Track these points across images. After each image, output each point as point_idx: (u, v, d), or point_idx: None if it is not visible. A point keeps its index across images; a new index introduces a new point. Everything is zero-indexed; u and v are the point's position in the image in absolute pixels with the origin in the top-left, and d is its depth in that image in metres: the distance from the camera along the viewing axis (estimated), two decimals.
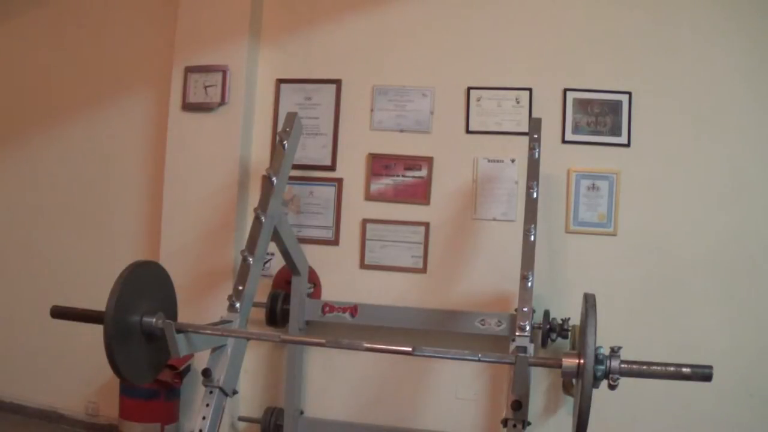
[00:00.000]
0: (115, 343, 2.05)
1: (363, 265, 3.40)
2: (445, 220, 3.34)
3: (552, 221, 3.22)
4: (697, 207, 3.14)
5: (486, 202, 3.30)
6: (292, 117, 3.02)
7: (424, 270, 3.34)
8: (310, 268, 3.36)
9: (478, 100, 3.34)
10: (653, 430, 3.12)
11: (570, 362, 1.90)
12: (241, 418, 3.42)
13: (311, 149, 3.48)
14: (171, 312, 2.35)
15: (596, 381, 1.85)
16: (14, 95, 3.96)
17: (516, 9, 3.34)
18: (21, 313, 3.79)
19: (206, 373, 2.32)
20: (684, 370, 1.85)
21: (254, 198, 3.39)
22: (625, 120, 3.21)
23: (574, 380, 2.02)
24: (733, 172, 3.12)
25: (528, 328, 2.27)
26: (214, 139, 3.44)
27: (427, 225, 3.35)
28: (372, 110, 3.45)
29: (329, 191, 3.46)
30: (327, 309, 3.25)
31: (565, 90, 3.26)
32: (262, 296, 3.27)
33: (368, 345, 2.08)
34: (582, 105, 3.25)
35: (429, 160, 3.37)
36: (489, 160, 3.32)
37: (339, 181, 3.45)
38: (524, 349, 2.17)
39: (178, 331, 2.17)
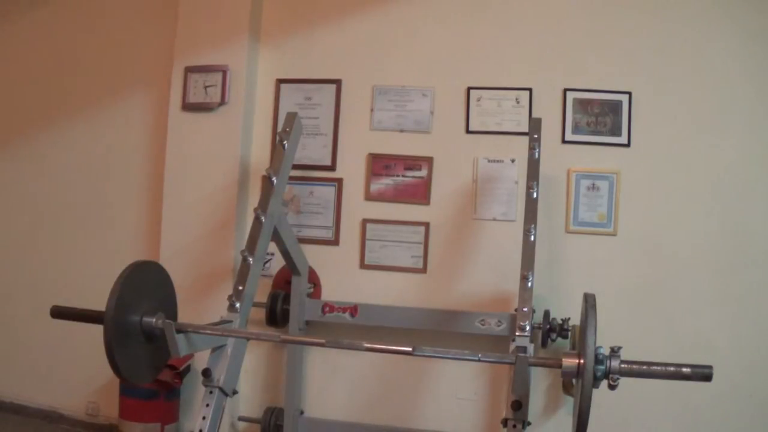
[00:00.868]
0: (115, 343, 2.05)
1: (363, 265, 3.40)
2: (445, 220, 3.34)
3: (552, 221, 3.22)
4: (697, 207, 3.14)
5: (486, 202, 3.30)
6: (292, 117, 3.02)
7: (424, 270, 3.34)
8: (310, 268, 3.36)
9: (478, 100, 3.34)
10: (653, 430, 3.12)
11: (570, 362, 1.90)
12: (241, 418, 3.42)
13: (311, 149, 3.48)
14: (171, 312, 2.35)
15: (596, 381, 1.85)
16: (14, 95, 3.96)
17: (516, 9, 3.34)
18: (21, 313, 3.79)
19: (206, 373, 2.32)
20: (684, 370, 1.85)
21: (254, 198, 3.39)
22: (625, 120, 3.21)
23: (574, 380, 2.02)
24: (733, 171, 3.12)
25: (528, 328, 2.27)
26: (214, 139, 3.44)
27: (427, 225, 3.35)
28: (372, 110, 3.45)
29: (329, 191, 3.46)
30: (327, 309, 3.25)
31: (565, 90, 3.26)
32: (262, 296, 3.27)
33: (368, 345, 2.08)
34: (582, 105, 3.25)
35: (429, 160, 3.37)
36: (489, 160, 3.32)
37: (339, 181, 3.45)
38: (524, 349, 2.17)
39: (178, 331, 2.17)
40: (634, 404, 3.06)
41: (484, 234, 3.30)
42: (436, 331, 3.15)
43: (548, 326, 2.97)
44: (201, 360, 2.79)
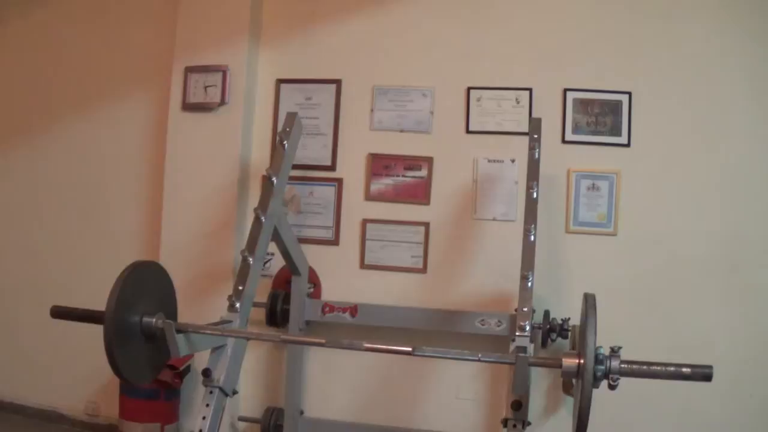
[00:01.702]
0: (115, 343, 2.05)
1: (363, 265, 3.40)
2: (445, 220, 3.34)
3: (552, 221, 3.22)
4: (697, 207, 3.14)
5: (486, 202, 3.30)
6: (292, 117, 3.02)
7: (424, 270, 3.34)
8: (310, 268, 3.36)
9: (478, 100, 3.34)
10: (653, 430, 3.12)
11: (570, 362, 1.90)
12: (241, 418, 3.42)
13: (311, 149, 3.48)
14: (171, 312, 2.35)
15: (596, 381, 1.86)
16: (14, 95, 3.96)
17: (516, 9, 3.33)
18: (21, 313, 3.79)
19: (206, 373, 2.33)
20: (684, 370, 1.85)
21: (254, 198, 3.39)
22: (625, 120, 3.21)
23: (574, 380, 2.03)
24: (733, 171, 3.12)
25: (528, 328, 2.27)
26: (214, 139, 3.44)
27: (427, 225, 3.35)
28: (372, 110, 3.45)
29: (329, 191, 3.46)
30: (327, 309, 3.25)
31: (565, 90, 3.26)
32: (262, 296, 3.27)
33: (368, 345, 2.08)
34: (582, 105, 3.25)
35: (429, 160, 3.37)
36: (489, 160, 3.32)
37: (339, 181, 3.45)
38: (524, 349, 2.17)
39: (178, 331, 2.17)
40: (634, 404, 3.06)
41: (484, 234, 3.30)
42: (436, 331, 3.15)
43: (548, 326, 2.97)
44: (201, 360, 2.79)
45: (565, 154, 3.24)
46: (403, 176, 3.40)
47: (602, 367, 1.86)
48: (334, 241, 3.44)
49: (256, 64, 3.54)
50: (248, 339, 2.62)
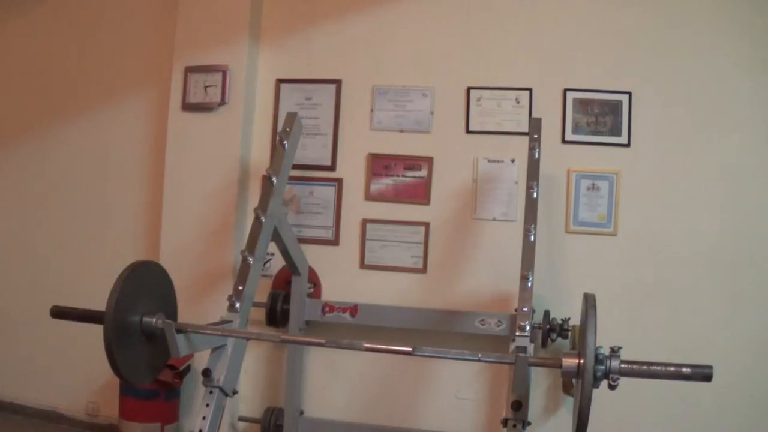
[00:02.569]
0: (115, 343, 2.05)
1: (363, 265, 3.40)
2: (445, 220, 3.34)
3: (552, 221, 3.22)
4: (697, 207, 3.14)
5: (486, 202, 3.30)
6: (292, 117, 3.02)
7: (424, 270, 3.34)
8: (310, 268, 3.36)
9: (478, 100, 3.34)
10: (653, 430, 3.12)
11: (570, 362, 1.90)
12: (241, 418, 3.42)
13: (311, 149, 3.48)
14: (171, 312, 2.36)
15: (596, 381, 1.86)
16: (14, 95, 3.96)
17: (516, 9, 3.33)
18: (21, 313, 3.79)
19: (206, 373, 2.32)
20: (684, 370, 1.85)
21: (254, 198, 3.39)
22: (625, 120, 3.21)
23: (574, 380, 2.02)
24: (733, 171, 3.12)
25: (528, 328, 2.27)
26: (214, 139, 3.44)
27: (427, 225, 3.35)
28: (372, 110, 3.45)
29: (329, 191, 3.46)
30: (327, 309, 3.25)
31: (565, 90, 3.26)
32: (262, 296, 3.27)
33: (368, 345, 2.08)
34: (582, 105, 3.25)
35: (429, 160, 3.37)
36: (489, 160, 3.32)
37: (339, 181, 3.45)
38: (524, 349, 2.17)
39: (178, 331, 2.17)
40: (634, 404, 3.06)
41: (484, 234, 3.30)
42: (436, 331, 3.15)
43: (548, 326, 2.97)
44: (201, 360, 2.79)
45: (565, 154, 3.24)
46: (403, 176, 3.40)
47: (602, 367, 1.85)
48: (334, 241, 3.44)
49: (256, 64, 3.54)
50: (248, 339, 2.62)
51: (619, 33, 3.24)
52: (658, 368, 1.88)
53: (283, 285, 3.37)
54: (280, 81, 3.54)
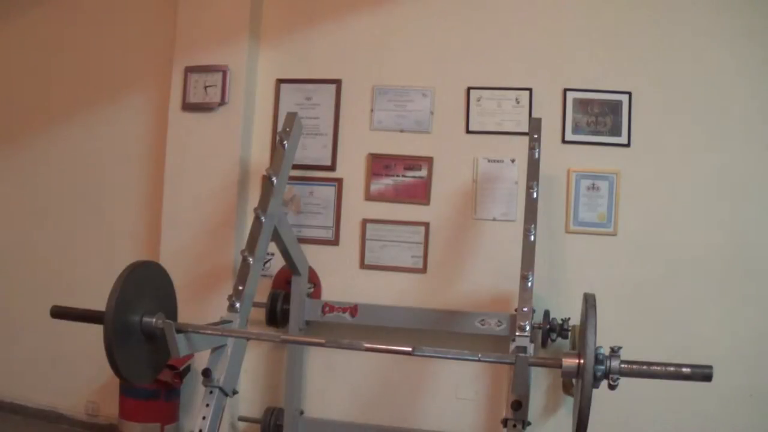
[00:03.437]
0: (115, 343, 2.05)
1: (363, 265, 3.40)
2: (445, 220, 3.34)
3: (552, 221, 3.22)
4: (697, 207, 3.14)
5: (486, 202, 3.30)
6: (292, 117, 3.02)
7: (424, 270, 3.34)
8: (310, 268, 3.36)
9: (478, 100, 3.34)
10: (653, 430, 3.12)
11: (570, 362, 1.90)
12: (241, 418, 3.42)
13: (311, 149, 3.48)
14: (171, 312, 2.35)
15: (596, 381, 1.86)
16: (14, 95, 3.96)
17: (516, 9, 3.33)
18: (21, 313, 3.79)
19: (206, 373, 2.32)
20: (684, 370, 1.85)
21: (254, 198, 3.39)
22: (625, 120, 3.21)
23: (574, 380, 2.02)
24: (733, 171, 3.12)
25: (528, 328, 2.27)
26: (214, 139, 3.44)
27: (427, 225, 3.35)
28: (372, 110, 3.45)
29: (329, 191, 3.46)
30: (327, 309, 3.25)
31: (565, 90, 3.26)
32: (262, 296, 3.27)
33: (368, 345, 2.08)
34: (582, 105, 3.25)
35: (429, 160, 3.37)
36: (489, 160, 3.32)
37: (339, 181, 3.45)
38: (524, 349, 2.17)
39: (178, 331, 2.17)
40: (634, 404, 3.06)
41: (484, 234, 3.30)
42: (436, 331, 3.15)
43: (548, 326, 2.97)
44: (201, 360, 2.79)
45: (565, 154, 3.24)
46: (403, 176, 3.40)
47: (602, 367, 1.85)
48: (334, 241, 3.44)
49: (256, 64, 3.54)
50: (248, 339, 2.62)
51: (619, 33, 3.24)
52: (658, 368, 1.88)
53: (283, 285, 3.37)
54: (280, 81, 3.54)
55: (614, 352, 1.88)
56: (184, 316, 2.46)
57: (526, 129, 3.07)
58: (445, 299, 3.27)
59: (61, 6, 3.90)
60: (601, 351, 1.86)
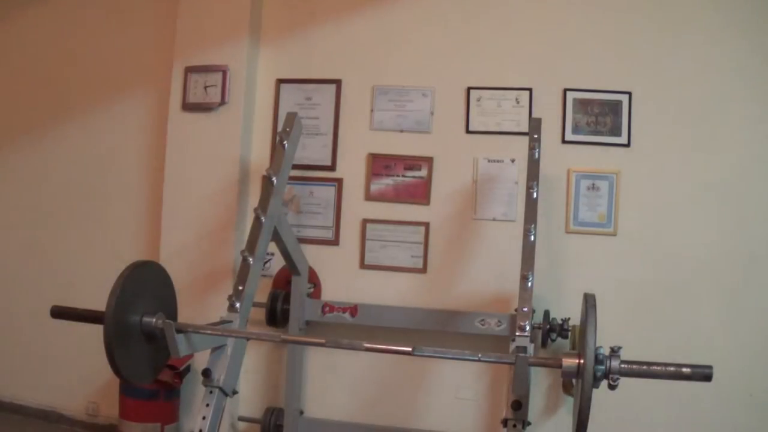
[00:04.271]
0: (115, 343, 2.05)
1: (363, 265, 3.40)
2: (445, 220, 3.34)
3: (552, 221, 3.22)
4: (696, 206, 3.14)
5: (486, 202, 3.30)
6: (292, 117, 3.02)
7: (424, 270, 3.34)
8: (310, 268, 3.36)
9: (478, 100, 3.34)
10: (653, 430, 3.12)
11: (570, 362, 1.90)
12: (241, 418, 3.42)
13: (311, 149, 3.48)
14: (171, 312, 2.35)
15: (596, 381, 1.85)
16: (14, 95, 3.96)
17: (516, 9, 3.34)
18: (21, 313, 3.79)
19: (206, 373, 2.32)
20: (684, 370, 1.85)
21: (254, 198, 3.39)
22: (625, 120, 3.21)
23: (574, 380, 2.02)
24: (732, 171, 3.12)
25: (528, 328, 2.27)
26: (214, 139, 3.44)
27: (427, 225, 3.35)
28: (372, 110, 3.45)
29: (329, 191, 3.46)
30: (327, 309, 3.25)
31: (565, 90, 3.26)
32: (262, 296, 3.27)
33: (368, 345, 2.08)
34: (582, 105, 3.25)
35: (429, 160, 3.37)
36: (489, 160, 3.32)
37: (339, 181, 3.45)
38: (524, 349, 2.17)
39: (178, 331, 2.17)
40: (634, 404, 3.06)
41: (484, 234, 3.30)
42: (436, 331, 3.15)
43: (548, 326, 2.98)
44: (201, 360, 2.79)
45: (565, 154, 3.24)
46: (403, 176, 3.40)
47: (602, 367, 1.85)
48: (334, 241, 3.44)
49: (256, 64, 3.54)
50: (248, 339, 2.62)
51: (619, 33, 3.24)
52: (658, 368, 1.88)
53: (283, 285, 3.37)
54: (280, 81, 3.54)
55: (614, 352, 1.88)
56: (184, 316, 2.46)
57: (526, 129, 3.07)
58: (445, 299, 3.27)
59: (61, 6, 3.90)
60: (601, 351, 1.86)
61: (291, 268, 3.21)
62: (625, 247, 3.18)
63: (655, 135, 3.19)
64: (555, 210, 3.23)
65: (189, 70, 3.47)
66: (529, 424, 2.28)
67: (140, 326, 2.18)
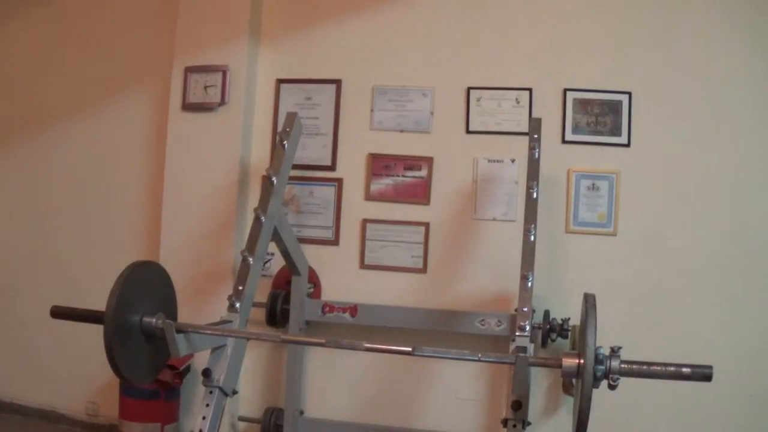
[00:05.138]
0: (115, 343, 2.05)
1: (363, 265, 3.40)
2: (445, 220, 3.34)
3: (552, 221, 3.22)
4: (696, 206, 3.14)
5: (486, 202, 3.30)
6: (292, 117, 3.02)
7: (424, 270, 3.34)
8: (310, 268, 3.36)
9: (478, 100, 3.34)
10: (653, 430, 3.12)
11: (570, 362, 1.90)
12: (241, 418, 3.42)
13: (311, 149, 3.48)
14: (171, 312, 2.35)
15: (596, 381, 1.86)
16: (14, 95, 3.96)
17: (516, 9, 3.33)
18: (21, 313, 3.79)
19: (206, 373, 2.32)
20: (684, 370, 1.85)
21: (254, 198, 3.39)
22: (625, 120, 3.21)
23: (574, 380, 2.02)
24: (732, 171, 3.12)
25: (528, 328, 2.27)
26: (214, 139, 3.44)
27: (427, 225, 3.35)
28: (372, 110, 3.45)
29: (329, 191, 3.46)
30: (327, 309, 3.25)
31: (565, 90, 3.26)
32: (262, 296, 3.27)
33: (368, 345, 2.08)
34: (582, 105, 3.25)
35: (429, 160, 3.37)
36: (489, 160, 3.32)
37: (339, 181, 3.45)
38: (524, 349, 2.17)
39: (178, 331, 2.17)
40: (634, 404, 3.06)
41: (484, 234, 3.30)
42: (436, 331, 3.15)
43: (548, 326, 2.97)
44: (201, 360, 2.79)
45: (565, 154, 3.24)
46: (403, 176, 3.40)
47: (602, 367, 1.85)
48: (334, 241, 3.44)
49: (256, 64, 3.54)
50: (248, 339, 2.62)
51: (619, 33, 3.24)
52: (658, 368, 1.88)
53: (283, 285, 3.37)
54: (280, 81, 3.54)
55: (614, 352, 1.88)
56: (184, 316, 2.46)
57: (526, 129, 3.07)
58: (445, 299, 3.27)
59: (61, 6, 3.89)
60: (601, 351, 1.86)
61: (291, 268, 3.21)
62: (625, 247, 3.18)
63: (655, 135, 3.19)
64: (555, 210, 3.23)
65: (189, 70, 3.47)
66: (529, 424, 2.28)
67: (140, 326, 2.17)
